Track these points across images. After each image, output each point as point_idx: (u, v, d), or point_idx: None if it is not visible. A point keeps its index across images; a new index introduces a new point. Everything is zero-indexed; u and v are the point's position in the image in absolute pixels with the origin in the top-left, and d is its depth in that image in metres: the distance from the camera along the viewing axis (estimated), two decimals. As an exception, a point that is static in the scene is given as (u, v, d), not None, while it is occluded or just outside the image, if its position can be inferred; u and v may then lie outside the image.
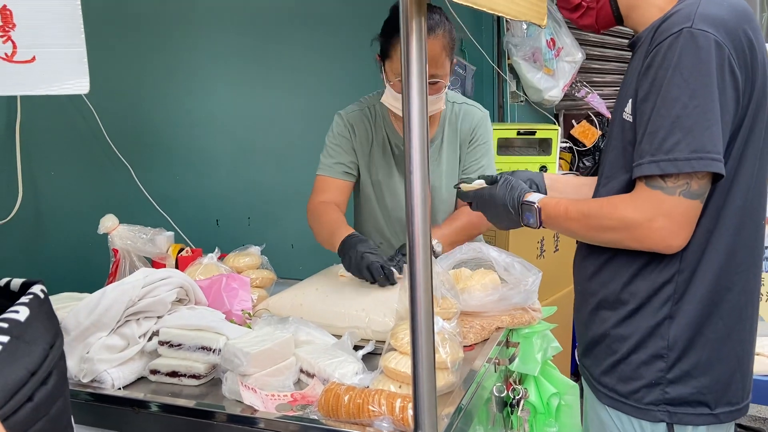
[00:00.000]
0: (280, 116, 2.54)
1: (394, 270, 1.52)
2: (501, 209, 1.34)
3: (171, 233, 1.75)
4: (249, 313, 1.47)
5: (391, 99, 1.76)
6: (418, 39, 0.86)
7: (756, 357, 2.20)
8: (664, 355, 1.12)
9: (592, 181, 1.49)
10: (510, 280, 1.50)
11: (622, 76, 3.00)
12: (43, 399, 0.61)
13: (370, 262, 1.50)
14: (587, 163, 4.19)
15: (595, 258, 1.22)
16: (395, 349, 1.16)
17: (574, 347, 3.12)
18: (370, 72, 2.63)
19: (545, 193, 1.45)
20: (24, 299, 0.65)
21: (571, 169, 4.10)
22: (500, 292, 1.44)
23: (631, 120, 1.12)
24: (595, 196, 1.26)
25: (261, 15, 2.42)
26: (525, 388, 1.50)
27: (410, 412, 0.99)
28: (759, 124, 1.09)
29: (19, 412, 0.57)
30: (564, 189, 1.47)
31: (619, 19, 1.23)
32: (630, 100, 1.12)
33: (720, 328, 1.11)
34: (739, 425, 2.92)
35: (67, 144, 1.81)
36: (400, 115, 1.74)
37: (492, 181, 1.42)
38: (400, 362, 1.13)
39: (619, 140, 1.16)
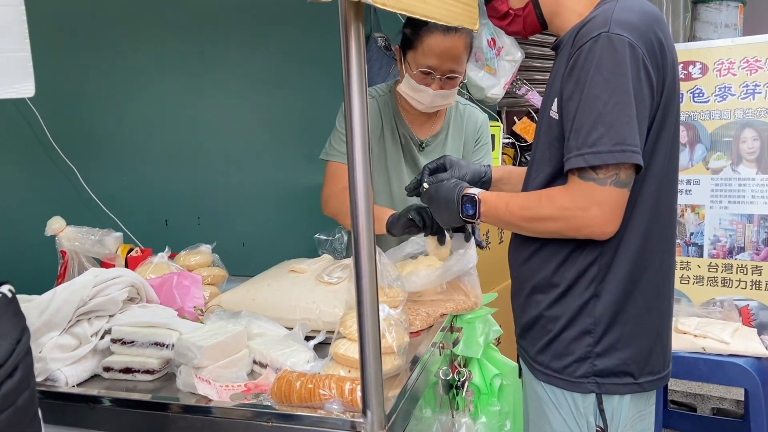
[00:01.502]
0: (229, 116, 2.56)
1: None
2: (443, 203, 1.41)
3: (119, 234, 1.76)
4: (201, 310, 1.50)
5: (407, 89, 1.82)
6: (357, 44, 0.92)
7: (683, 336, 2.37)
8: (591, 330, 1.22)
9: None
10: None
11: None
12: (10, 390, 0.65)
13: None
14: (529, 158, 4.34)
15: (527, 247, 1.31)
16: (344, 337, 1.22)
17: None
18: (317, 70, 2.68)
19: (490, 183, 1.57)
20: (-9, 298, 0.68)
21: (514, 164, 4.24)
22: (443, 267, 1.52)
23: (557, 118, 1.21)
24: (524, 189, 1.35)
25: (208, 16, 2.44)
26: (469, 371, 1.59)
27: (359, 393, 1.05)
28: (669, 118, 1.20)
29: (-14, 400, 0.61)
30: (518, 180, 1.56)
31: (543, 25, 1.32)
32: (556, 99, 1.21)
33: (640, 304, 1.22)
34: (672, 401, 3.10)
35: (12, 148, 1.80)
36: (414, 105, 1.85)
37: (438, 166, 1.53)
38: (349, 348, 1.19)
39: (545, 136, 1.25)
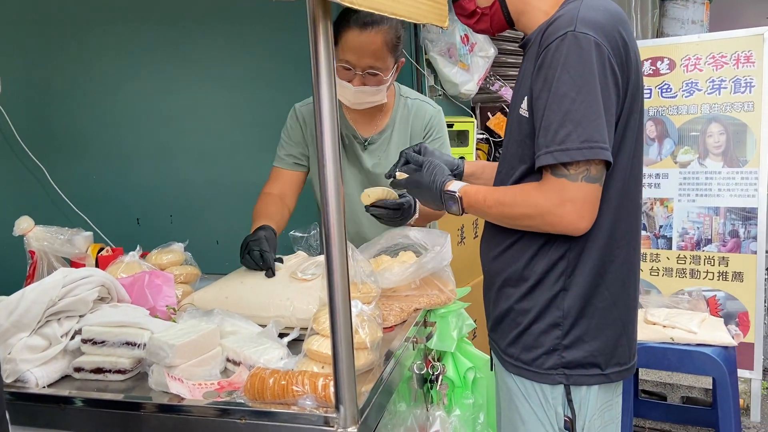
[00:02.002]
0: (202, 112, 2.53)
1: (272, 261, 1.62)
2: (427, 194, 1.43)
3: (90, 233, 1.74)
4: (173, 308, 1.50)
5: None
6: (326, 42, 0.93)
7: (652, 326, 2.42)
8: (560, 323, 1.24)
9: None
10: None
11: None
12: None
13: (251, 250, 1.62)
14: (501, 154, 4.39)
15: (499, 242, 1.33)
16: (317, 333, 1.23)
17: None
18: (290, 67, 2.67)
19: (462, 176, 1.56)
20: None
21: (488, 159, 4.28)
22: (417, 263, 1.53)
23: (527, 116, 1.23)
24: (496, 185, 1.37)
25: (182, 11, 2.41)
26: (443, 365, 1.61)
27: (332, 389, 1.06)
28: (634, 115, 1.22)
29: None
30: (490, 176, 1.56)
31: (510, 23, 1.34)
32: (525, 98, 1.23)
33: (606, 297, 1.25)
34: (643, 391, 3.17)
35: (-24, 146, 1.76)
36: (341, 101, 1.82)
37: (414, 156, 1.52)
38: (322, 344, 1.19)
39: (516, 134, 1.27)
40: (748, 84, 2.85)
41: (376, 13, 0.96)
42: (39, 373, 1.22)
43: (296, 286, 1.55)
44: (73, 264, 1.69)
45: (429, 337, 1.55)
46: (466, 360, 1.66)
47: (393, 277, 1.53)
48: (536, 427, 1.28)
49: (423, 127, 1.97)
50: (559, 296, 1.24)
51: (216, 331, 1.29)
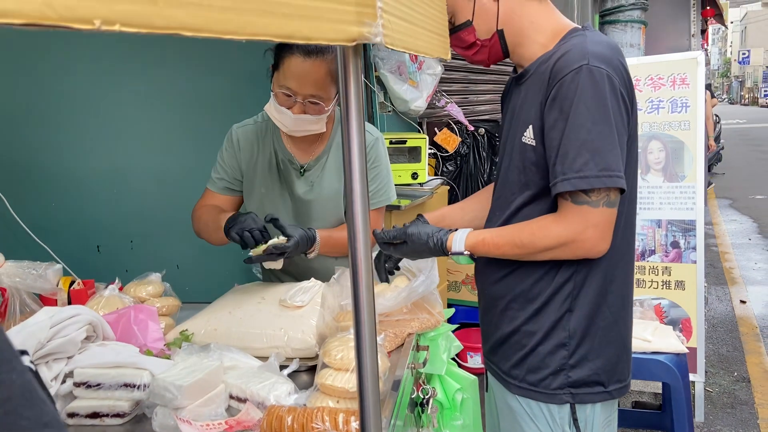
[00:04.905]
0: (159, 136, 2.45)
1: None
2: (430, 255, 1.41)
3: (59, 266, 1.65)
4: (169, 345, 1.44)
5: (272, 110, 1.73)
6: (356, 81, 0.93)
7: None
8: (566, 344, 1.29)
9: (475, 204, 1.63)
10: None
11: (467, 85, 3.31)
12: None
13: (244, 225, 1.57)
14: (450, 167, 4.48)
15: (502, 266, 1.35)
16: (329, 366, 1.22)
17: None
18: (253, 89, 2.63)
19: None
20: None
21: (436, 174, 4.35)
22: (408, 288, 1.54)
23: (533, 144, 1.27)
24: (496, 213, 1.39)
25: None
26: (433, 388, 1.62)
27: (354, 425, 1.05)
28: (634, 141, 1.30)
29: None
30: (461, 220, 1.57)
31: (506, 54, 1.38)
32: (530, 126, 1.27)
33: (608, 316, 1.30)
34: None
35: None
36: (280, 127, 1.75)
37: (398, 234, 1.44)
38: (336, 378, 1.18)
39: (518, 162, 1.31)
40: (684, 104, 3.05)
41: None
42: (31, 422, 1.14)
43: (288, 314, 1.53)
44: (42, 300, 1.60)
45: (425, 363, 1.56)
46: (454, 382, 1.68)
47: (386, 302, 1.53)
48: (543, 448, 1.31)
49: None
50: (565, 317, 1.28)
51: (220, 369, 1.26)
